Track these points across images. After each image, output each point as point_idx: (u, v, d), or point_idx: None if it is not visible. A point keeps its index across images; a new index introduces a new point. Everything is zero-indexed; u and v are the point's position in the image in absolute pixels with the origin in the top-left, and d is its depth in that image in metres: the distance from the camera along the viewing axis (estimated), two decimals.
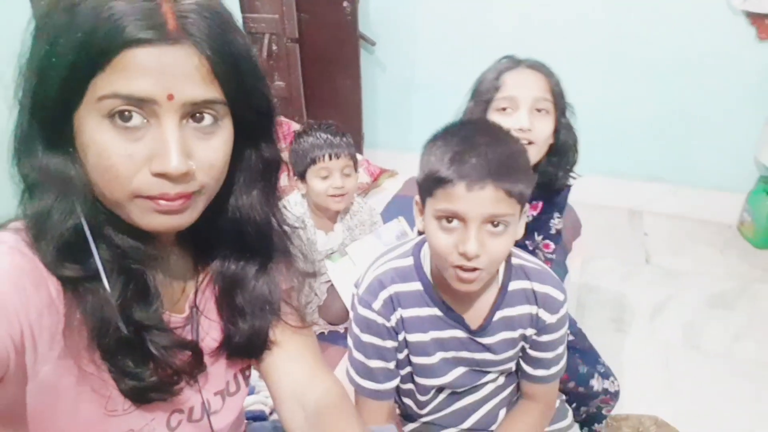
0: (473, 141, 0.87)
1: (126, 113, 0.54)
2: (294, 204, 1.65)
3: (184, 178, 0.56)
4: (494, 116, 1.21)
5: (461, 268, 0.87)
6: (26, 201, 0.59)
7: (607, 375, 1.38)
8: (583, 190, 2.74)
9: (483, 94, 1.23)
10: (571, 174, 1.36)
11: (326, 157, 1.53)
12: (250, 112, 0.63)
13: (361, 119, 3.15)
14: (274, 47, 2.78)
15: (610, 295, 2.38)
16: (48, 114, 0.56)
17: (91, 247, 0.58)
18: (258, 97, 0.63)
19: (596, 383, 1.34)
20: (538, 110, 1.19)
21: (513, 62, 1.23)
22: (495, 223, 0.86)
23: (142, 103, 0.54)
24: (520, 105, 1.19)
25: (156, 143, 0.55)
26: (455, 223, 0.87)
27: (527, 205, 0.93)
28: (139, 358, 0.62)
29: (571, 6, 2.75)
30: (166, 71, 0.53)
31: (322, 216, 1.67)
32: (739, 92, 2.66)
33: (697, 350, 2.06)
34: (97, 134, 0.54)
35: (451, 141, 0.89)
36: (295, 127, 2.68)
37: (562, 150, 1.28)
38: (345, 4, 2.81)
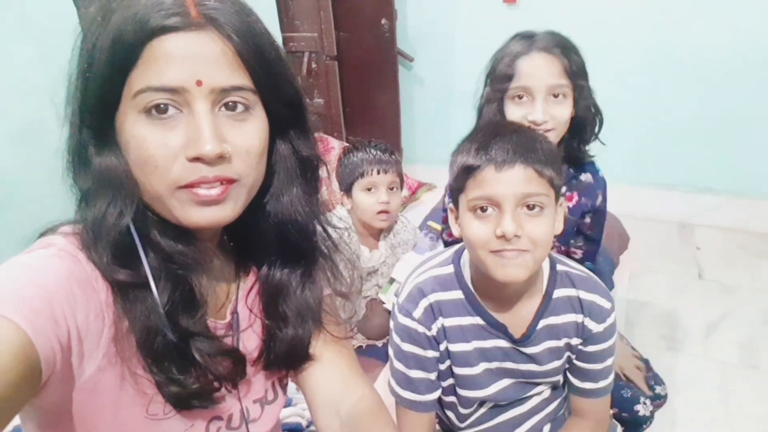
0: (497, 131, 0.89)
1: (161, 106, 0.56)
2: (338, 219, 1.66)
3: (219, 161, 0.57)
4: (510, 104, 1.19)
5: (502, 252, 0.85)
6: (83, 209, 0.60)
7: (659, 382, 1.33)
8: (631, 202, 2.69)
9: (498, 82, 1.20)
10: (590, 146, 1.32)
11: (374, 171, 1.57)
12: (279, 103, 0.64)
13: (399, 134, 3.17)
14: (314, 65, 2.84)
15: (661, 311, 2.28)
16: (94, 118, 0.58)
17: (139, 251, 0.59)
18: (286, 87, 0.64)
19: (642, 408, 1.27)
20: (555, 95, 1.16)
21: (526, 45, 1.17)
22: (530, 205, 0.85)
23: (174, 93, 0.55)
24: (534, 95, 1.15)
25: (190, 130, 0.56)
26: (490, 210, 0.86)
27: (562, 199, 0.92)
28: (183, 365, 0.63)
29: (614, 11, 2.70)
30: (192, 58, 0.55)
31: (367, 233, 1.67)
32: None
33: (755, 369, 1.95)
34: (135, 129, 0.56)
35: (475, 137, 0.91)
36: (335, 143, 2.71)
37: (582, 124, 1.24)
38: (383, 21, 2.84)
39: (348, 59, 2.92)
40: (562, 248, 1.38)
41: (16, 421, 0.56)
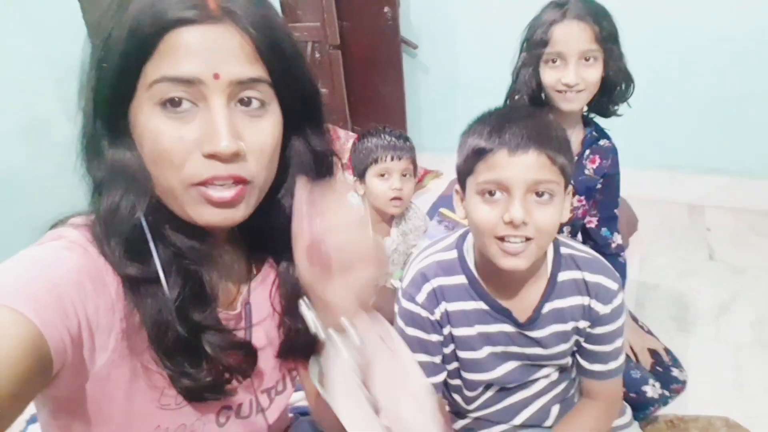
0: (510, 115, 0.88)
1: (176, 99, 0.55)
2: None
3: (234, 159, 0.56)
4: (545, 67, 1.29)
5: (507, 240, 0.84)
6: (96, 200, 0.60)
7: (676, 365, 1.36)
8: (640, 184, 2.65)
9: (534, 47, 1.30)
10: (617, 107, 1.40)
11: (388, 157, 1.57)
12: (295, 96, 0.63)
13: (405, 122, 3.15)
14: (317, 55, 2.83)
15: (672, 293, 2.27)
16: (108, 109, 0.58)
17: (150, 245, 0.59)
18: (302, 80, 0.63)
19: (650, 389, 1.27)
20: (586, 59, 1.25)
21: (560, 13, 1.27)
22: (539, 192, 0.84)
23: (190, 85, 0.55)
24: (568, 59, 1.25)
25: (206, 125, 0.56)
26: (498, 194, 0.85)
27: (571, 186, 0.91)
28: (195, 359, 0.63)
29: None
30: (210, 50, 0.54)
31: (379, 220, 1.67)
32: None
33: (767, 348, 1.93)
34: (150, 122, 0.55)
35: (488, 119, 0.89)
36: (340, 133, 2.71)
37: (612, 84, 1.32)
38: (386, 9, 2.82)
39: (351, 48, 2.90)
40: (587, 207, 1.43)
41: (32, 408, 0.57)
